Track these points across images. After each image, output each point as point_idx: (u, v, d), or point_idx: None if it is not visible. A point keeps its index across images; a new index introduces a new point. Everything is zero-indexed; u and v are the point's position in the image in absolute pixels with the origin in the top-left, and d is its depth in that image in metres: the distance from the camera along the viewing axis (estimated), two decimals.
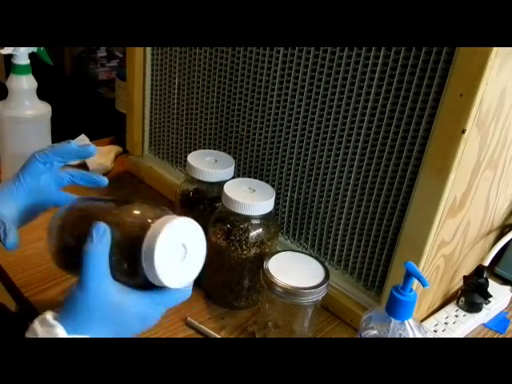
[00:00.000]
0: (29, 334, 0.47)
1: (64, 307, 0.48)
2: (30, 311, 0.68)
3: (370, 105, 0.61)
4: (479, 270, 0.73)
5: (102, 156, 0.98)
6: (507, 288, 0.78)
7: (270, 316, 0.65)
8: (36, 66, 0.86)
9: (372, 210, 0.65)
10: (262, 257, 0.66)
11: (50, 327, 0.46)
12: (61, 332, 0.46)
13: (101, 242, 0.47)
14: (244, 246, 0.67)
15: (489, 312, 0.73)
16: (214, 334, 0.66)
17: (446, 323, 0.70)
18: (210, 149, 0.83)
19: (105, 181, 0.61)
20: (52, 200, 0.60)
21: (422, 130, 0.58)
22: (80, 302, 0.47)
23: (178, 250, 0.48)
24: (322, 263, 0.65)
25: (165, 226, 0.46)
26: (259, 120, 0.74)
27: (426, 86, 0.56)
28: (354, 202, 0.67)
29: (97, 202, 0.55)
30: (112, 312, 0.48)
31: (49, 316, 0.47)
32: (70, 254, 0.51)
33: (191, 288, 0.52)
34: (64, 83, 1.43)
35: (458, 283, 0.75)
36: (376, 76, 0.60)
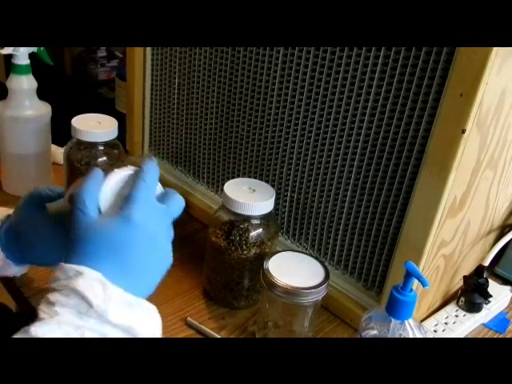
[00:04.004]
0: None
1: (70, 248, 0.48)
2: (30, 311, 0.68)
3: (369, 105, 0.61)
4: (479, 270, 0.73)
5: None
6: (507, 288, 0.78)
7: (269, 316, 0.65)
8: (36, 66, 0.86)
9: (372, 209, 0.65)
10: (262, 257, 0.66)
11: (59, 269, 0.46)
12: (64, 265, 0.46)
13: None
14: (244, 246, 0.67)
15: (489, 312, 0.73)
16: (214, 334, 0.66)
17: (446, 323, 0.70)
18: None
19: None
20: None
21: (422, 129, 0.58)
22: (83, 235, 0.48)
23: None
24: (322, 263, 0.65)
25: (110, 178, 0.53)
26: (259, 120, 0.74)
27: (425, 85, 0.56)
28: (354, 202, 0.67)
29: None
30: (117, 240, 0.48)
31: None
32: None
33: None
34: (64, 83, 1.43)
35: (458, 283, 0.75)
36: (376, 76, 0.60)
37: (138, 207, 0.49)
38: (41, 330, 0.43)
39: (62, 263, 0.46)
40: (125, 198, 0.50)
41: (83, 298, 0.44)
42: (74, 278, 0.45)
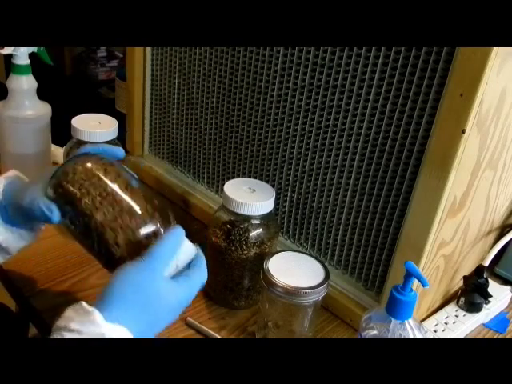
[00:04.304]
0: (61, 323, 0.47)
1: (101, 296, 0.49)
2: (30, 311, 0.68)
3: (369, 105, 0.61)
4: (479, 270, 0.73)
5: None
6: (507, 288, 0.78)
7: (270, 316, 0.65)
8: (36, 66, 0.86)
9: (372, 210, 0.65)
10: (262, 257, 0.66)
11: (86, 313, 0.46)
12: (98, 317, 0.46)
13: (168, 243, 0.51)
14: (244, 246, 0.67)
15: (489, 312, 0.73)
16: (214, 334, 0.66)
17: (446, 323, 0.70)
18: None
19: (121, 152, 0.62)
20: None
21: (422, 130, 0.58)
22: (117, 289, 0.48)
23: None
24: (322, 263, 0.65)
25: None
26: (259, 120, 0.74)
27: (426, 85, 0.56)
28: (354, 202, 0.67)
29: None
30: (147, 298, 0.49)
31: (84, 304, 0.47)
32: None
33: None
34: (64, 83, 1.44)
35: (458, 283, 0.75)
36: (376, 76, 0.60)
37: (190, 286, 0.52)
38: None
39: (95, 312, 0.47)
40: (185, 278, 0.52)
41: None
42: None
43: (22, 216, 0.57)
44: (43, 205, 0.53)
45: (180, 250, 0.52)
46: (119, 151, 0.62)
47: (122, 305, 0.48)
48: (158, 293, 0.49)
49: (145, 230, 0.52)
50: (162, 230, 0.53)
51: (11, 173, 0.61)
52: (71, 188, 0.53)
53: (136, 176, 0.59)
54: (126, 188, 0.54)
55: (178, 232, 0.52)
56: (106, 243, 0.51)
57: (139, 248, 0.51)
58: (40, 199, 0.54)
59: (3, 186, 0.59)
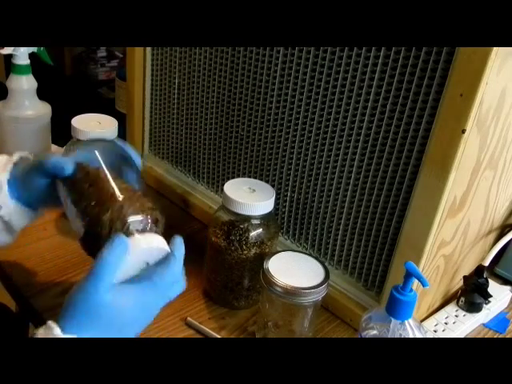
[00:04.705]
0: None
1: (62, 308, 0.48)
2: (30, 311, 0.68)
3: (370, 105, 0.61)
4: (479, 270, 0.73)
5: None
6: (507, 288, 0.78)
7: (269, 316, 0.65)
8: (36, 66, 0.86)
9: (372, 210, 0.65)
10: (262, 257, 0.66)
11: (48, 329, 0.47)
12: (57, 332, 0.46)
13: (114, 254, 0.48)
14: (244, 246, 0.67)
15: (489, 312, 0.73)
16: (214, 334, 0.66)
17: (446, 323, 0.70)
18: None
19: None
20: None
21: (422, 130, 0.58)
22: (78, 304, 0.47)
23: (140, 265, 0.51)
24: (322, 263, 0.65)
25: (136, 248, 0.50)
26: (259, 120, 0.74)
27: (426, 85, 0.56)
28: (354, 202, 0.67)
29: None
30: (111, 313, 0.48)
31: (50, 321, 0.47)
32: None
33: (184, 279, 0.53)
34: (64, 83, 1.44)
35: (458, 283, 0.75)
36: (376, 76, 0.60)
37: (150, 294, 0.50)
38: None
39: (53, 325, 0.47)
40: (142, 286, 0.50)
41: None
42: None
43: (30, 190, 0.58)
44: (58, 158, 0.55)
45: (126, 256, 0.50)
46: (137, 158, 0.62)
47: (74, 318, 0.48)
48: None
49: (134, 218, 0.52)
50: (149, 227, 0.53)
51: (23, 152, 0.63)
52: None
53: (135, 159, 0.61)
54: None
55: (122, 241, 0.50)
56: (95, 215, 0.52)
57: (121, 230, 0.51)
58: (54, 156, 0.56)
59: (16, 159, 0.60)
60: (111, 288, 0.48)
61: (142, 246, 0.50)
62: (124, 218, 0.51)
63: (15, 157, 0.61)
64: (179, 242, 0.53)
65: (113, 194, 0.53)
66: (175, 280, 0.52)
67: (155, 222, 0.53)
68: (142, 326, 0.51)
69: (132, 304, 0.49)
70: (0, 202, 0.57)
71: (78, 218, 0.54)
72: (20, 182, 0.58)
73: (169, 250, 0.52)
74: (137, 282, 0.50)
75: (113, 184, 0.54)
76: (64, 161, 0.55)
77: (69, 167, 0.55)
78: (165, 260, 0.51)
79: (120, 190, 0.54)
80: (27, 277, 0.71)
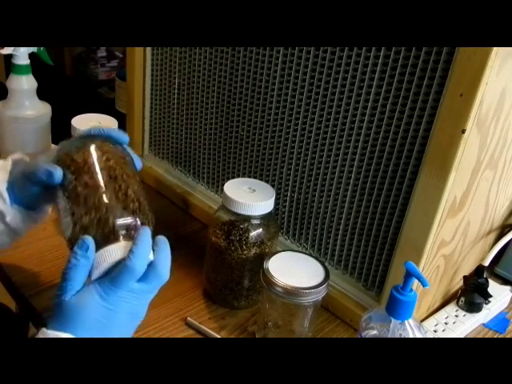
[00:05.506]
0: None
1: (52, 311, 0.49)
2: (30, 311, 0.68)
3: (370, 105, 0.61)
4: (479, 270, 0.73)
5: None
6: (507, 288, 0.78)
7: (269, 316, 0.65)
8: (36, 66, 0.86)
9: (372, 210, 0.65)
10: (262, 257, 0.66)
11: (41, 333, 0.47)
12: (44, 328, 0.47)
13: (83, 258, 0.49)
14: (244, 246, 0.67)
15: (489, 312, 0.73)
16: (214, 334, 0.66)
17: (446, 323, 0.70)
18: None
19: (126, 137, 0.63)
20: None
21: (422, 130, 0.58)
22: (64, 306, 0.48)
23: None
24: (322, 263, 0.65)
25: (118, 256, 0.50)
26: (259, 120, 0.74)
27: (426, 85, 0.56)
28: (354, 202, 0.67)
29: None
30: (97, 315, 0.48)
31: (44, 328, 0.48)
32: None
33: (168, 271, 0.52)
34: (64, 83, 1.44)
35: (458, 283, 0.75)
36: (376, 76, 0.60)
37: (117, 292, 0.49)
38: None
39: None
40: (110, 279, 0.49)
41: None
42: None
43: (29, 195, 0.58)
44: (47, 166, 0.54)
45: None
46: (124, 136, 0.62)
47: (61, 317, 0.48)
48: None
49: (122, 221, 0.52)
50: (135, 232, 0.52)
51: (17, 155, 0.62)
52: (77, 158, 0.55)
53: (135, 160, 0.62)
54: (123, 175, 0.56)
55: (88, 241, 0.49)
56: (79, 219, 0.52)
57: (108, 233, 0.51)
58: (44, 163, 0.55)
59: (10, 166, 0.60)
60: (81, 289, 0.48)
61: (115, 257, 0.50)
62: (108, 223, 0.51)
63: (9, 163, 0.60)
64: (162, 242, 0.52)
65: (100, 196, 0.52)
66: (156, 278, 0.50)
67: (143, 221, 0.53)
68: (128, 326, 0.50)
69: (94, 304, 0.48)
70: (4, 210, 0.58)
71: (67, 215, 0.53)
72: (18, 189, 0.58)
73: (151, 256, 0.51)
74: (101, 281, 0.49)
75: (99, 177, 0.54)
76: (53, 169, 0.54)
77: (58, 175, 0.54)
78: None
79: (106, 183, 0.53)
80: (27, 277, 0.72)
